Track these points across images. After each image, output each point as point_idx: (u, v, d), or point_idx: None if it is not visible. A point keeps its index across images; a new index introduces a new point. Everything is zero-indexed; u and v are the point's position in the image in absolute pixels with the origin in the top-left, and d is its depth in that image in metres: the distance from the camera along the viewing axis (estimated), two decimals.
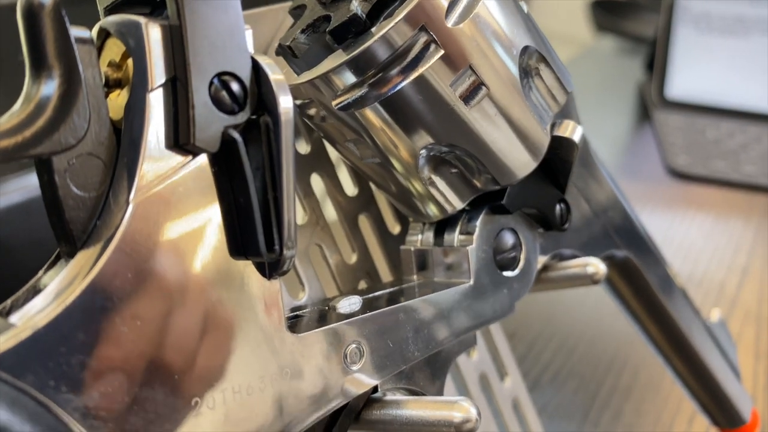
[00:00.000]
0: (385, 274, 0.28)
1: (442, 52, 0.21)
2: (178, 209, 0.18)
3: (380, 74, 0.21)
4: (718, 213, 0.66)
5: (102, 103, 0.17)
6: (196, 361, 0.18)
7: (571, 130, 0.25)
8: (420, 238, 0.26)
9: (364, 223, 0.28)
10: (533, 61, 0.23)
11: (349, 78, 0.21)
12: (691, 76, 0.85)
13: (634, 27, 1.09)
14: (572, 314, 0.50)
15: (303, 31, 0.22)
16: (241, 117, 0.18)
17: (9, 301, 0.17)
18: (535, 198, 0.26)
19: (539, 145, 0.24)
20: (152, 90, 0.17)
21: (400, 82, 0.21)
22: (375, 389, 0.22)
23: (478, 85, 0.22)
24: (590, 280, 0.27)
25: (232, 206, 0.18)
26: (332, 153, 0.27)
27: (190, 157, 0.18)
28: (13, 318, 0.16)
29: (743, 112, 0.83)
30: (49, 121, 0.16)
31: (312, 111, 0.23)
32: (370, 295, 0.23)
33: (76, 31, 0.16)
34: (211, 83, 0.17)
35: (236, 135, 0.18)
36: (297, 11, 0.24)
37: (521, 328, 0.48)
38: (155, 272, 0.17)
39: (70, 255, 0.17)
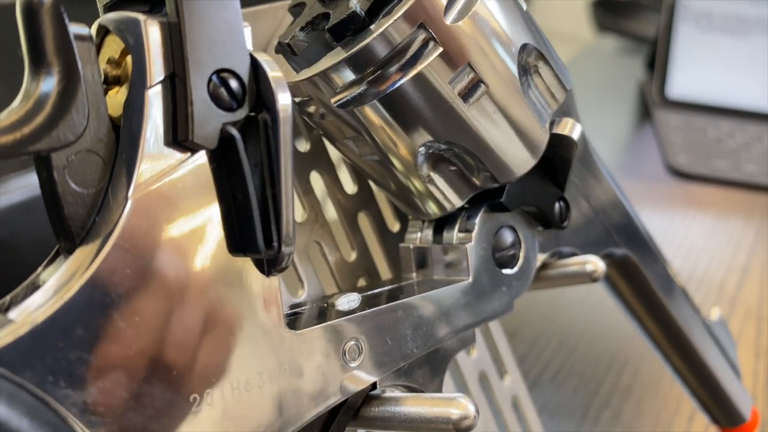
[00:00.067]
0: (385, 271, 0.28)
1: (440, 49, 0.21)
2: (176, 206, 0.18)
3: (379, 72, 0.21)
4: (719, 212, 0.66)
5: (101, 100, 0.17)
6: (195, 358, 0.18)
7: (570, 128, 0.25)
8: (419, 236, 0.26)
9: (363, 220, 0.28)
10: (532, 58, 0.23)
11: (348, 75, 0.21)
12: (692, 75, 0.85)
13: (635, 26, 1.09)
14: (573, 313, 0.50)
15: (302, 29, 0.22)
16: (240, 114, 0.18)
17: (8, 297, 0.17)
18: (534, 196, 0.26)
19: (538, 142, 0.24)
20: (151, 87, 0.17)
21: (399, 80, 0.21)
22: (374, 386, 0.22)
23: (476, 83, 0.22)
24: (589, 278, 0.27)
25: (230, 203, 0.18)
26: (332, 151, 0.27)
27: (189, 154, 0.18)
28: (12, 314, 0.16)
29: (744, 111, 0.83)
30: (48, 118, 0.16)
31: (311, 108, 0.23)
32: (369, 293, 0.23)
33: (75, 28, 0.16)
34: (210, 80, 0.17)
35: (235, 132, 0.18)
36: (296, 9, 0.24)
37: (522, 327, 0.48)
38: (154, 269, 0.17)
39: (69, 251, 0.17)
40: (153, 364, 0.17)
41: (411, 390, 0.23)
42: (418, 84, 0.21)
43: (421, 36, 0.21)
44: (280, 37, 0.23)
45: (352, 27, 0.21)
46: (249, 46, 0.18)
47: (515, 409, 0.32)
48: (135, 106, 0.17)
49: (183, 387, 0.18)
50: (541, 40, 0.24)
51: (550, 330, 0.48)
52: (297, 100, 0.23)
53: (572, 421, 0.41)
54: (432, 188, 0.24)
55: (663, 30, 0.85)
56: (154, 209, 0.17)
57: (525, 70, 0.23)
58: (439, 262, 0.25)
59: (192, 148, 0.18)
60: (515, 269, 0.26)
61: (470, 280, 0.24)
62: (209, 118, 0.18)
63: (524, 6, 0.24)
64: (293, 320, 0.21)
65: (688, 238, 0.61)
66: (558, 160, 0.25)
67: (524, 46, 0.23)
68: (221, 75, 0.18)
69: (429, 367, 0.24)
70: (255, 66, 0.18)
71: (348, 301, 0.22)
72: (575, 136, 0.25)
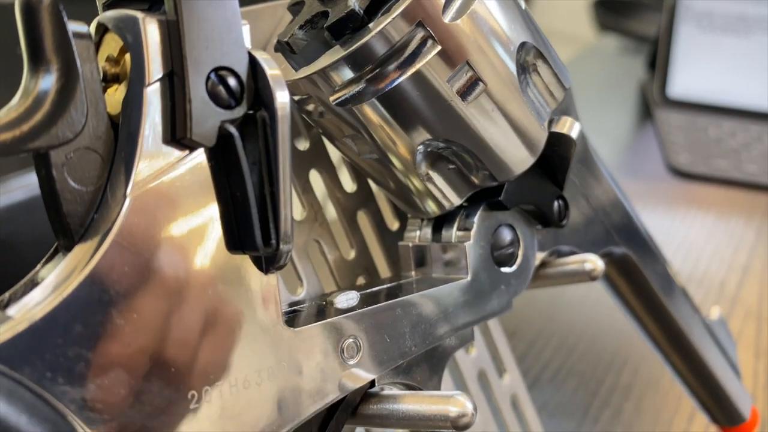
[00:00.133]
0: (384, 270, 0.28)
1: (439, 47, 0.21)
2: (175, 204, 0.18)
3: (377, 70, 0.21)
4: (720, 212, 0.66)
5: (100, 97, 0.17)
6: (193, 355, 0.18)
7: (569, 127, 0.25)
8: (418, 234, 0.26)
9: (362, 219, 0.28)
10: (531, 57, 0.23)
11: (347, 73, 0.22)
12: (693, 74, 0.85)
13: (637, 26, 1.09)
14: (573, 313, 0.50)
15: (301, 27, 0.22)
16: (238, 112, 0.18)
17: (7, 294, 0.17)
18: (532, 194, 0.26)
19: (537, 141, 0.24)
20: (149, 85, 0.17)
21: (397, 78, 0.21)
22: (372, 384, 0.22)
23: (475, 81, 0.22)
24: (588, 276, 0.27)
25: (229, 201, 0.18)
26: (332, 150, 0.27)
27: (188, 151, 0.18)
28: (11, 310, 0.16)
29: (745, 110, 0.83)
30: (46, 116, 0.16)
31: (310, 107, 0.23)
32: (368, 291, 0.23)
33: (73, 26, 0.16)
34: (208, 78, 0.17)
35: (233, 129, 0.18)
36: (296, 7, 0.24)
37: (522, 326, 0.48)
38: (152, 266, 0.17)
39: (68, 248, 0.17)
40: (151, 361, 0.17)
41: (409, 388, 0.23)
42: (417, 82, 0.21)
43: (420, 34, 0.21)
44: (279, 36, 0.23)
45: (351, 25, 0.21)
46: (247, 44, 0.18)
47: (514, 407, 0.32)
48: (133, 104, 0.17)
49: (181, 384, 0.18)
50: (539, 39, 0.24)
51: (549, 329, 0.48)
52: (296, 98, 0.23)
53: (572, 421, 0.41)
54: (431, 186, 0.24)
55: (664, 30, 0.85)
56: (153, 207, 0.17)
57: (524, 69, 0.23)
58: (438, 260, 0.25)
59: (190, 146, 0.18)
60: (514, 268, 0.26)
61: (469, 278, 0.24)
62: (207, 116, 0.18)
63: (523, 5, 0.24)
64: (292, 318, 0.21)
65: (689, 237, 0.61)
66: (557, 158, 0.25)
67: (523, 45, 0.23)
68: (219, 73, 0.18)
69: (427, 365, 0.24)
70: (253, 64, 0.18)
71: (347, 299, 0.22)
72: (574, 134, 0.25)
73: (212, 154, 0.18)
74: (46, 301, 0.16)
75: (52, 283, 0.16)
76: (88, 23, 0.18)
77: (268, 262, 0.19)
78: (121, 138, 0.17)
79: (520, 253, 0.26)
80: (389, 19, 0.21)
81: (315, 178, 0.27)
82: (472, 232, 0.25)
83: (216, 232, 0.18)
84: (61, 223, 0.17)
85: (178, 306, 0.18)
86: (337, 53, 0.21)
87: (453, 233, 0.25)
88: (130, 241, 0.17)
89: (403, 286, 0.24)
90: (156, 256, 0.17)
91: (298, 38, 0.22)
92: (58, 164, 0.17)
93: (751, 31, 0.83)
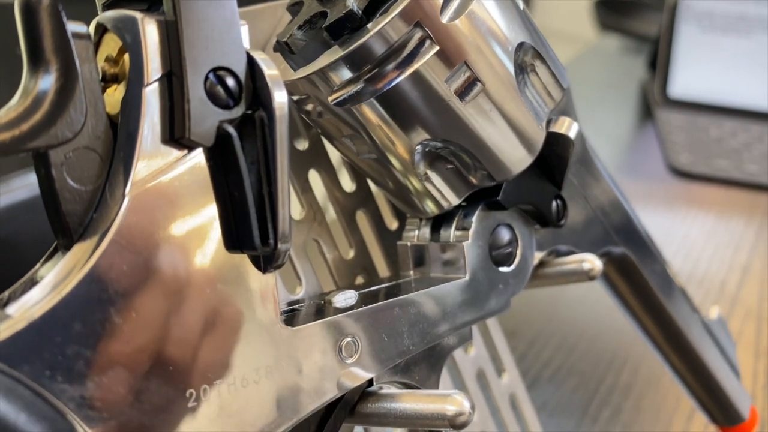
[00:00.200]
0: (383, 269, 0.28)
1: (437, 48, 0.21)
2: (174, 203, 0.18)
3: (376, 70, 0.21)
4: (720, 212, 0.66)
5: (99, 97, 0.17)
6: (192, 354, 0.18)
7: (567, 127, 0.25)
8: (417, 234, 0.26)
9: (361, 218, 0.28)
10: (529, 57, 0.24)
11: (345, 74, 0.22)
12: (694, 74, 0.85)
13: (638, 26, 1.09)
14: (572, 312, 0.50)
15: (300, 28, 0.22)
16: (237, 112, 0.18)
17: (6, 293, 0.17)
18: (531, 194, 0.26)
19: (535, 141, 0.24)
20: (148, 85, 0.17)
21: (396, 78, 0.21)
22: (370, 383, 0.22)
23: (473, 81, 0.22)
24: (586, 276, 0.27)
25: (227, 200, 0.18)
26: (332, 151, 0.27)
27: (186, 151, 0.18)
28: (10, 309, 0.16)
29: (746, 110, 0.83)
30: (46, 115, 0.16)
31: (309, 107, 0.23)
32: (367, 290, 0.24)
33: (73, 27, 0.16)
34: (207, 78, 0.18)
35: (231, 129, 0.18)
36: (295, 7, 0.24)
37: (522, 325, 0.48)
38: (150, 265, 0.17)
39: (67, 247, 0.17)
40: (150, 359, 0.17)
41: (407, 387, 0.24)
42: (415, 82, 0.21)
43: (418, 34, 0.21)
44: (278, 36, 0.23)
45: (349, 25, 0.21)
46: (246, 44, 0.18)
47: (513, 407, 0.32)
48: (132, 104, 0.17)
49: (180, 382, 0.18)
50: (538, 39, 0.24)
51: (549, 328, 0.49)
52: (295, 98, 0.23)
53: (572, 420, 0.41)
54: (429, 186, 0.24)
55: (665, 29, 0.85)
56: (151, 206, 0.17)
57: (522, 69, 0.23)
58: (436, 260, 0.25)
59: (189, 146, 0.18)
60: (512, 267, 0.26)
61: (467, 277, 0.24)
62: (206, 116, 0.18)
63: (521, 5, 0.24)
64: (290, 317, 0.21)
65: (689, 237, 0.61)
66: (555, 158, 0.25)
67: (521, 45, 0.23)
68: (218, 73, 0.18)
69: (426, 364, 0.24)
70: (252, 64, 0.18)
71: (345, 298, 0.22)
72: (572, 134, 0.25)
73: (211, 154, 0.18)
74: (45, 299, 0.16)
75: (51, 282, 0.16)
76: (88, 23, 0.18)
77: (266, 262, 0.19)
78: (120, 138, 0.18)
79: (519, 252, 0.26)
80: (387, 20, 0.21)
81: (314, 177, 0.27)
82: (471, 232, 0.25)
83: (214, 231, 0.18)
84: (60, 223, 0.17)
85: (177, 305, 0.18)
86: (335, 53, 0.22)
87: (451, 233, 0.25)
88: (128, 240, 0.17)
89: (401, 285, 0.24)
90: (154, 255, 0.17)
91: (296, 38, 0.22)
92: (57, 164, 0.17)
93: (751, 30, 0.83)
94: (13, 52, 0.18)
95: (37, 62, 0.16)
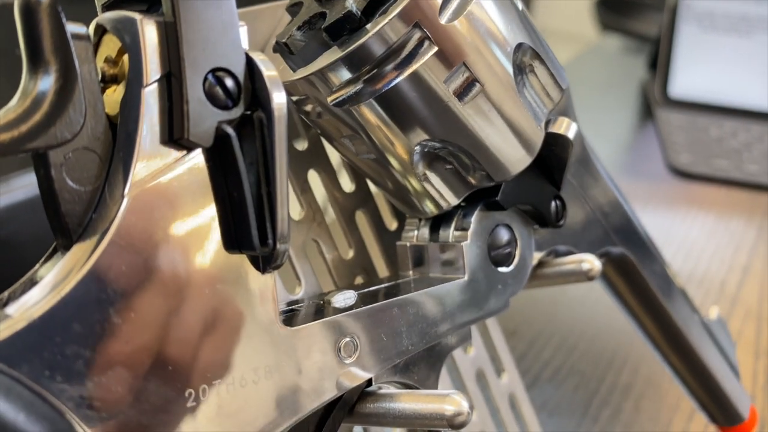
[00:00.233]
0: (382, 269, 0.28)
1: (435, 48, 0.21)
2: (173, 203, 0.18)
3: (375, 70, 0.21)
4: (720, 212, 0.66)
5: (98, 98, 0.17)
6: (191, 354, 0.18)
7: (566, 127, 0.25)
8: (416, 234, 0.26)
9: (361, 219, 0.28)
10: (527, 58, 0.24)
11: (344, 74, 0.22)
12: (694, 74, 0.85)
13: (639, 26, 1.09)
14: (573, 312, 0.50)
15: (299, 28, 0.22)
16: (235, 112, 0.18)
17: (6, 293, 0.17)
18: (530, 194, 0.26)
19: (533, 141, 0.24)
20: (147, 85, 0.17)
21: (395, 79, 0.21)
22: (369, 382, 0.22)
23: (471, 82, 0.22)
24: (585, 276, 0.27)
25: (226, 200, 0.18)
26: (332, 152, 0.27)
27: (185, 152, 0.18)
28: (10, 309, 0.16)
29: (746, 110, 0.83)
30: (45, 116, 0.16)
31: (308, 107, 0.24)
32: (366, 290, 0.24)
33: (72, 28, 0.17)
34: (206, 79, 0.18)
35: (230, 130, 0.18)
36: (294, 8, 0.24)
37: (522, 325, 0.48)
38: (149, 265, 0.17)
39: (66, 248, 0.17)
40: (149, 359, 0.17)
41: (406, 386, 0.24)
42: (414, 83, 0.21)
43: (417, 35, 0.21)
44: (278, 36, 0.23)
45: (348, 26, 0.21)
46: (245, 45, 0.18)
47: (512, 407, 0.32)
48: (131, 105, 0.17)
49: (178, 382, 0.18)
50: (536, 40, 0.24)
51: (550, 328, 0.49)
52: (294, 98, 0.24)
53: (572, 420, 0.41)
54: (428, 187, 0.24)
55: (665, 30, 0.85)
56: (151, 206, 0.17)
57: (520, 70, 0.23)
58: (435, 260, 0.25)
59: (188, 146, 0.18)
60: (511, 267, 0.26)
61: (466, 278, 0.25)
62: (205, 117, 0.18)
63: (520, 5, 0.24)
64: (289, 317, 0.21)
65: (690, 237, 0.61)
66: (554, 158, 0.25)
67: (519, 46, 0.23)
68: (217, 74, 0.18)
69: (425, 364, 0.24)
70: (250, 65, 0.18)
71: (344, 298, 0.22)
72: (571, 135, 0.25)
73: (209, 155, 0.18)
74: (44, 300, 0.16)
75: (51, 282, 0.16)
76: (87, 24, 0.18)
77: (265, 262, 0.19)
78: (119, 138, 0.18)
79: (517, 252, 0.26)
80: (386, 20, 0.21)
81: (313, 178, 0.27)
82: (470, 232, 0.25)
83: (213, 231, 0.18)
84: (60, 223, 0.17)
85: (176, 305, 0.18)
86: (334, 54, 0.22)
87: (450, 233, 0.25)
88: (127, 241, 0.17)
89: (400, 285, 0.25)
90: (154, 255, 0.17)
91: (296, 39, 0.22)
92: (57, 164, 0.17)
93: (752, 30, 0.83)
94: (13, 52, 0.18)
95: (37, 63, 0.16)
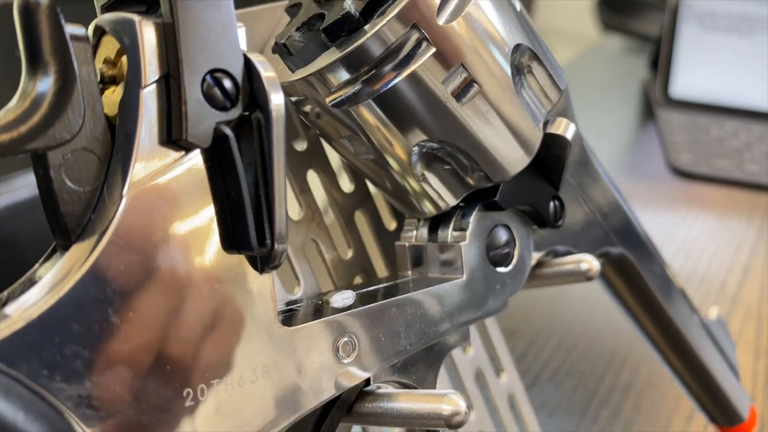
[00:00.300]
0: (381, 269, 0.28)
1: (433, 49, 0.21)
2: (171, 204, 0.18)
3: (373, 71, 0.21)
4: (721, 212, 0.66)
5: (97, 99, 0.17)
6: (189, 353, 0.18)
7: (564, 128, 0.25)
8: (415, 234, 0.26)
9: (360, 219, 0.28)
10: (525, 59, 0.24)
11: (343, 75, 0.22)
12: (695, 74, 0.85)
13: (640, 26, 1.09)
14: (572, 312, 0.50)
15: (298, 29, 0.22)
16: (233, 113, 0.18)
17: (5, 293, 0.17)
18: (528, 195, 0.26)
19: (531, 142, 0.24)
20: (146, 87, 0.17)
21: (393, 79, 0.21)
22: (367, 382, 0.22)
23: (469, 83, 0.22)
24: (584, 276, 0.27)
25: (224, 201, 0.18)
26: (331, 152, 0.27)
27: (184, 152, 0.18)
28: (9, 309, 0.16)
29: (747, 110, 0.83)
30: (44, 117, 0.16)
31: (307, 108, 0.24)
32: (364, 290, 0.24)
33: (71, 29, 0.17)
34: (204, 80, 0.18)
35: (228, 131, 0.18)
36: (293, 9, 0.24)
37: (522, 325, 0.48)
38: (148, 265, 0.17)
39: (65, 248, 0.17)
40: (147, 359, 0.17)
41: (405, 386, 0.24)
42: (412, 83, 0.22)
43: (415, 36, 0.21)
44: (277, 37, 0.23)
45: (347, 27, 0.21)
46: (243, 46, 0.18)
47: (511, 407, 0.32)
48: (130, 106, 0.18)
49: (177, 382, 0.18)
50: (535, 41, 0.24)
51: (549, 328, 0.49)
52: (293, 99, 0.24)
53: (571, 420, 0.41)
54: (426, 187, 0.24)
55: (666, 29, 0.85)
56: (149, 207, 0.18)
57: (518, 70, 0.23)
58: (434, 260, 0.26)
59: (186, 147, 0.18)
60: (509, 268, 0.26)
61: (464, 278, 0.25)
62: (203, 118, 0.18)
63: (518, 6, 0.24)
64: (288, 317, 0.21)
65: (690, 237, 0.61)
66: (552, 159, 0.25)
67: (517, 47, 0.23)
68: (215, 75, 0.18)
69: (423, 363, 0.24)
70: (248, 66, 0.18)
71: (342, 298, 0.22)
72: (569, 135, 0.25)
73: (208, 155, 0.18)
74: (43, 299, 0.16)
75: (50, 282, 0.17)
76: (87, 26, 0.18)
77: (263, 262, 0.19)
78: (117, 139, 0.18)
79: (516, 253, 0.26)
80: (384, 21, 0.21)
81: (313, 178, 0.27)
82: (468, 233, 0.25)
83: (212, 232, 0.19)
84: (59, 223, 0.17)
85: (174, 304, 0.18)
86: (333, 55, 0.22)
87: (449, 233, 0.25)
88: (126, 241, 0.17)
89: (399, 285, 0.25)
90: (152, 255, 0.17)
91: (294, 40, 0.22)
92: (56, 165, 0.17)
93: (753, 31, 0.83)
94: (12, 52, 0.18)
95: (36, 64, 0.16)
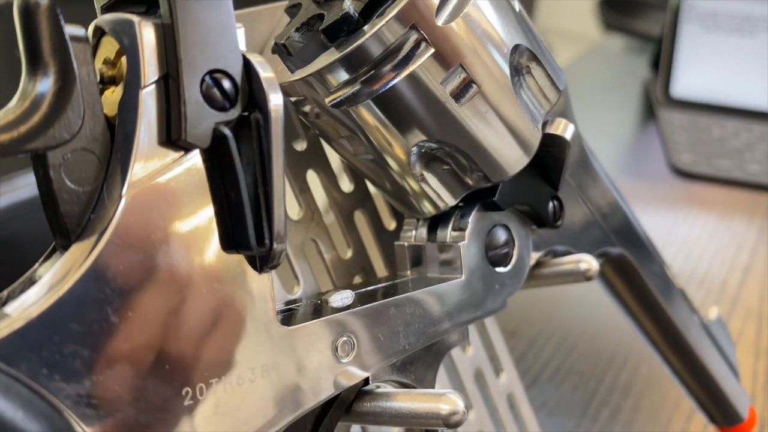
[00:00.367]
0: (381, 269, 0.28)
1: (432, 50, 0.21)
2: (170, 204, 0.18)
3: (372, 72, 0.22)
4: (722, 212, 0.66)
5: (96, 99, 0.17)
6: (188, 352, 0.18)
7: (563, 128, 0.25)
8: (414, 234, 0.26)
9: (359, 218, 0.28)
10: (524, 59, 0.24)
11: (342, 75, 0.22)
12: (697, 74, 0.85)
13: (642, 25, 1.09)
14: (572, 312, 0.50)
15: (297, 30, 0.23)
16: (232, 113, 0.18)
17: (5, 292, 0.17)
18: (527, 195, 0.26)
19: (530, 142, 0.24)
20: (145, 87, 0.18)
21: (392, 80, 0.21)
22: (366, 381, 0.22)
23: (468, 83, 0.22)
24: (583, 276, 0.27)
25: (223, 201, 0.19)
26: (331, 153, 0.27)
27: (183, 153, 0.18)
28: (8, 308, 0.16)
29: (748, 110, 0.83)
30: (44, 117, 0.16)
31: (306, 108, 0.24)
32: (363, 290, 0.24)
33: (71, 30, 0.17)
34: (203, 80, 0.18)
35: (227, 131, 0.18)
36: (293, 10, 0.24)
37: (522, 325, 0.48)
38: (147, 265, 0.17)
39: (65, 248, 0.17)
40: (146, 358, 0.17)
41: (403, 386, 0.24)
42: (411, 84, 0.22)
43: (414, 37, 0.21)
44: (276, 38, 0.23)
45: (346, 28, 0.21)
46: (242, 47, 0.18)
47: (511, 406, 0.32)
48: (129, 106, 0.18)
49: (176, 381, 0.18)
50: (534, 41, 0.24)
51: (549, 328, 0.49)
52: (293, 99, 0.24)
53: (571, 420, 0.41)
54: (425, 187, 0.24)
55: (668, 29, 0.85)
56: (148, 207, 0.18)
57: (517, 71, 0.23)
58: (433, 260, 0.26)
59: (185, 147, 0.18)
60: (508, 267, 0.26)
61: (463, 278, 0.25)
62: (202, 118, 0.18)
63: (517, 6, 0.24)
64: (287, 316, 0.21)
65: (691, 237, 0.61)
66: (551, 159, 0.26)
67: (516, 47, 0.23)
68: (214, 75, 0.18)
69: (422, 363, 0.24)
70: (247, 67, 0.18)
71: (341, 297, 0.22)
72: (568, 136, 0.25)
73: (207, 155, 0.18)
74: (43, 299, 0.16)
75: (49, 282, 0.17)
76: (86, 26, 0.18)
77: (262, 262, 0.19)
78: (117, 139, 0.18)
79: (515, 253, 0.26)
80: (383, 22, 0.21)
81: (312, 178, 0.27)
82: (467, 233, 0.25)
83: (211, 231, 0.19)
84: (59, 223, 0.17)
85: (173, 304, 0.18)
86: (332, 55, 0.22)
87: (448, 233, 0.25)
88: (125, 241, 0.17)
89: (398, 285, 0.25)
90: (151, 255, 0.18)
91: (294, 40, 0.23)
92: (56, 165, 0.17)
93: (754, 30, 0.83)
94: (12, 52, 0.18)
95: (36, 65, 0.16)
